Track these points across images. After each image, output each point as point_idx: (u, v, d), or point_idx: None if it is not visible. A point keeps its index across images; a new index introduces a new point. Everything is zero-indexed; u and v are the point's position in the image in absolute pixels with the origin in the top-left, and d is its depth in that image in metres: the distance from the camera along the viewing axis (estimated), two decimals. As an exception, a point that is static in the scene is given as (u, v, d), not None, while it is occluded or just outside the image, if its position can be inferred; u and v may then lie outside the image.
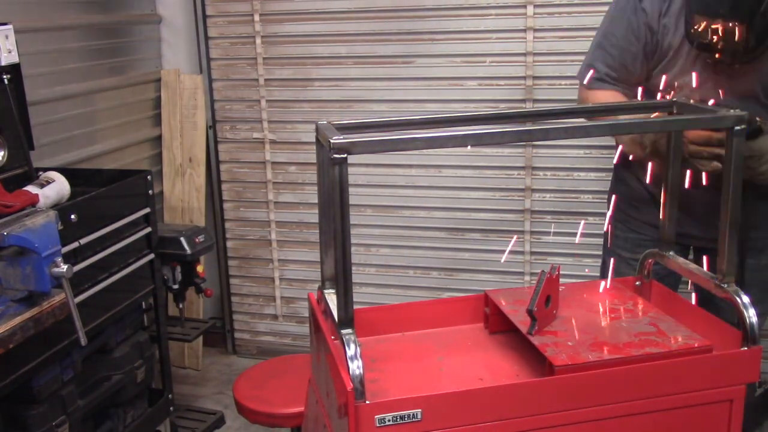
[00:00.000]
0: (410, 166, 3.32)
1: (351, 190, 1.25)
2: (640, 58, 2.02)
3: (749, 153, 1.74)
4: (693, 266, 1.56)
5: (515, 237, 3.23)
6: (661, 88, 1.88)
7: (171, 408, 2.75)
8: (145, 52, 3.51)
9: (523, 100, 3.14)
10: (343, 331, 1.25)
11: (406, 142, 1.30)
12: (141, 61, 3.48)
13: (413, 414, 1.22)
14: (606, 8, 3.01)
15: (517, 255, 3.30)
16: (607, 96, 2.03)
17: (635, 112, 1.65)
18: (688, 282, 1.72)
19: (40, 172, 2.27)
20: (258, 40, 3.43)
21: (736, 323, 1.39)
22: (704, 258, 1.68)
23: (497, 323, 1.56)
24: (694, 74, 1.84)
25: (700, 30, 1.82)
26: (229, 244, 3.73)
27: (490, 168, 3.24)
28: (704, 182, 1.73)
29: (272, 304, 3.74)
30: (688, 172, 1.70)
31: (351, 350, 1.22)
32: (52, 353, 2.06)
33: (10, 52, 2.24)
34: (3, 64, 2.22)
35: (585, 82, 2.07)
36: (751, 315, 1.37)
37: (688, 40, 1.90)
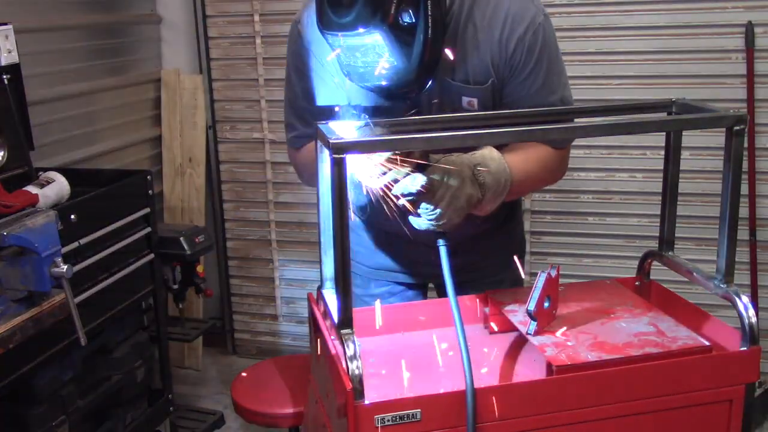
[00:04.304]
0: (410, 166, 3.31)
1: (351, 190, 1.25)
2: None
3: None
4: (692, 266, 1.56)
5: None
6: None
7: (171, 408, 2.75)
8: (145, 52, 3.51)
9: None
10: (343, 331, 1.25)
11: (406, 142, 1.29)
12: (141, 61, 3.48)
13: (413, 414, 1.22)
14: (607, 8, 3.03)
15: (517, 255, 3.29)
16: None
17: (634, 112, 1.64)
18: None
19: (40, 172, 2.26)
20: (258, 40, 3.43)
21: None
22: None
23: (497, 323, 1.56)
24: None
25: None
26: (229, 244, 3.73)
27: (490, 168, 3.23)
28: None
29: (272, 304, 3.74)
30: None
31: (351, 350, 1.22)
32: (52, 353, 2.06)
33: (10, 52, 2.23)
34: (3, 64, 2.22)
35: None
36: (751, 315, 1.37)
37: None
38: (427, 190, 1.39)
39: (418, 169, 1.39)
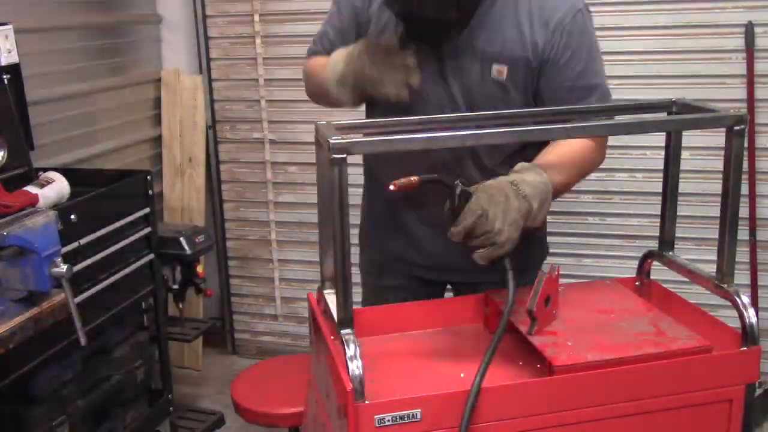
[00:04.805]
0: (410, 166, 3.31)
1: (350, 190, 1.25)
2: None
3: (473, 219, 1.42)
4: (692, 266, 1.56)
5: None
6: None
7: (171, 408, 2.75)
8: (145, 52, 3.51)
9: (523, 100, 3.14)
10: (343, 331, 1.25)
11: (406, 142, 1.30)
12: (141, 61, 3.48)
13: (413, 414, 1.22)
14: (607, 8, 3.03)
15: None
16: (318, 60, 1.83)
17: (634, 112, 1.64)
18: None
19: (40, 172, 2.27)
20: (258, 40, 3.43)
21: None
22: None
23: (497, 323, 1.56)
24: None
25: None
26: (229, 244, 3.73)
27: (490, 168, 3.24)
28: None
29: (272, 304, 3.74)
30: None
31: (350, 350, 1.22)
32: (52, 353, 2.06)
33: (10, 52, 2.24)
34: (3, 64, 2.22)
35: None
36: (751, 315, 1.37)
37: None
38: (479, 216, 1.40)
39: (462, 200, 1.40)
